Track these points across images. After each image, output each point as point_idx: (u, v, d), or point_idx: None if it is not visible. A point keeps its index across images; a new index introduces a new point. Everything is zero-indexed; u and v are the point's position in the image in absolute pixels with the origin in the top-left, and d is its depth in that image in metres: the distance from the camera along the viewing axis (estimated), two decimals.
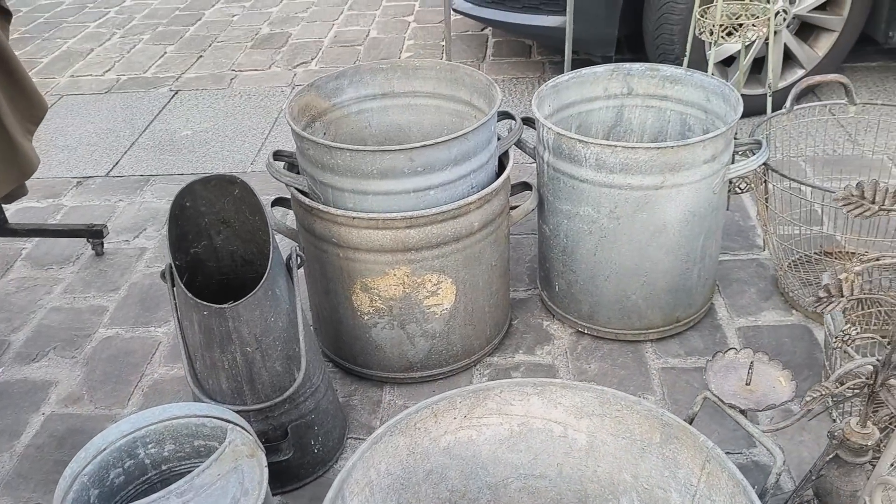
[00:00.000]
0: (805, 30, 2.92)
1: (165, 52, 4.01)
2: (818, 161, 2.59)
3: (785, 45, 2.84)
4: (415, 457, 1.18)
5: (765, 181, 1.95)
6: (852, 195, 0.99)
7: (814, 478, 1.31)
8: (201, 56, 3.94)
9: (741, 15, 2.05)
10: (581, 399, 1.19)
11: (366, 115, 1.98)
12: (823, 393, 1.15)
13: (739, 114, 1.74)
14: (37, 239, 2.49)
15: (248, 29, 4.26)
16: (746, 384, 1.11)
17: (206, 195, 1.52)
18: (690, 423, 1.17)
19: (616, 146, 1.66)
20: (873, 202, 0.99)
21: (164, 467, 1.35)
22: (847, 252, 2.14)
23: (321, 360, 1.68)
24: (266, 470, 1.23)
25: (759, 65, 2.88)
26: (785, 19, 2.78)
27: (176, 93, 3.54)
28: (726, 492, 1.04)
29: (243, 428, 1.29)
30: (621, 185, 1.70)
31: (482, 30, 3.98)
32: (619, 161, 1.67)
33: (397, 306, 1.73)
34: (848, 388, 1.16)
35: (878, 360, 1.17)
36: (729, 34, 1.97)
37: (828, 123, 2.81)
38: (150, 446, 1.32)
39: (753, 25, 1.95)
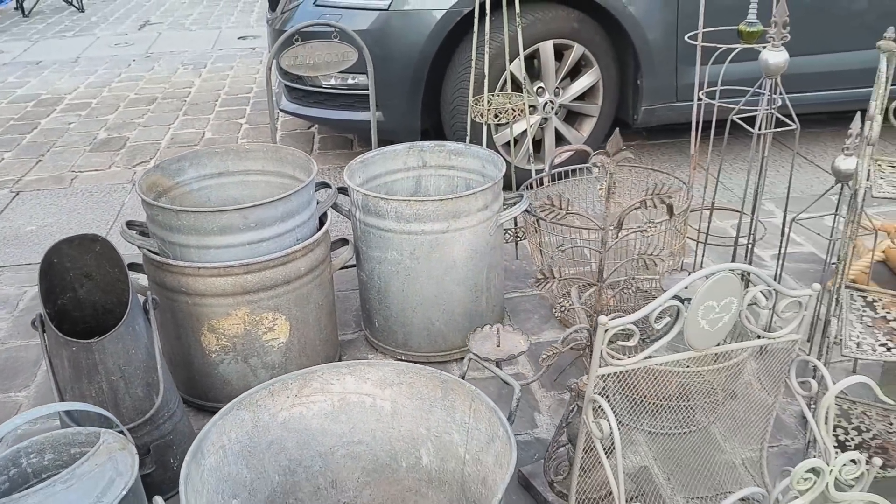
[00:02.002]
0: (571, 116, 3.60)
1: (3, 158, 4.18)
2: (590, 213, 3.19)
3: (556, 128, 3.49)
4: (258, 429, 1.52)
5: (537, 230, 2.48)
6: (546, 203, 1.48)
7: (564, 426, 1.76)
8: (40, 160, 4.14)
9: (506, 104, 2.62)
10: (383, 373, 1.58)
11: (205, 191, 2.35)
12: (554, 352, 1.61)
13: (503, 172, 2.26)
14: None
15: (85, 134, 4.50)
16: (497, 346, 1.55)
17: (71, 252, 1.82)
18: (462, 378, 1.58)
19: (409, 200, 2.12)
20: (560, 208, 1.48)
21: (44, 475, 1.59)
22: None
23: (176, 391, 1.97)
24: (136, 457, 1.51)
25: (539, 146, 3.50)
26: (553, 108, 3.44)
27: (17, 194, 3.72)
28: (486, 419, 1.46)
29: (115, 426, 1.57)
30: (417, 231, 2.15)
31: (309, 128, 4.46)
32: (413, 212, 2.13)
33: (240, 342, 2.06)
34: (570, 348, 1.63)
35: (588, 327, 1.65)
36: (496, 117, 2.53)
37: (595, 185, 3.44)
38: (31, 456, 1.57)
39: (513, 110, 2.51)
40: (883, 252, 2.64)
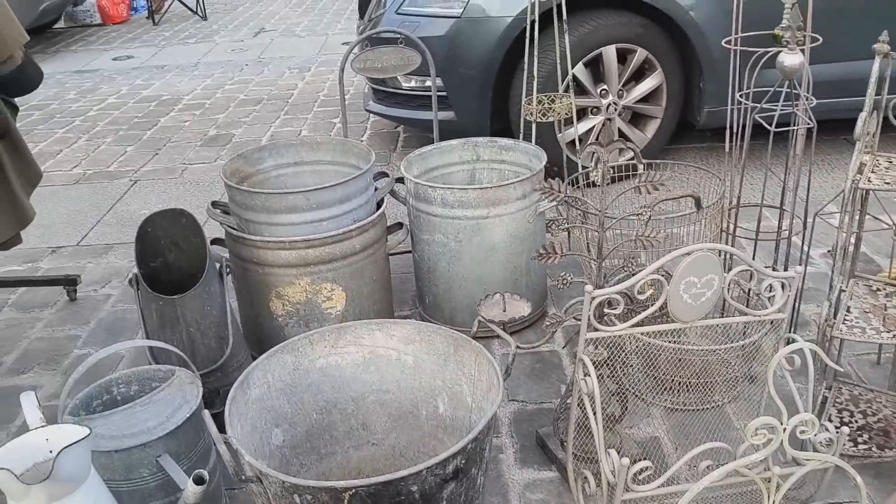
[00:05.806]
0: (636, 118, 3.75)
1: (126, 151, 4.70)
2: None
3: (620, 129, 3.65)
4: (299, 372, 1.81)
5: (583, 222, 2.67)
6: (545, 187, 1.69)
7: (571, 387, 1.96)
8: (157, 153, 4.64)
9: (552, 104, 2.83)
10: (406, 331, 1.83)
11: (282, 178, 2.67)
12: (556, 321, 1.82)
13: (543, 164, 2.47)
14: (21, 289, 3.08)
15: (197, 131, 4.99)
16: (503, 311, 1.77)
17: (163, 223, 2.18)
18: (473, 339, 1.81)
19: (453, 188, 2.37)
20: (559, 192, 1.69)
21: (130, 403, 1.94)
22: None
23: (245, 346, 2.30)
24: (201, 389, 1.83)
25: None
26: (616, 109, 3.60)
27: (135, 182, 4.21)
28: (487, 371, 1.69)
29: (186, 367, 1.89)
30: (460, 216, 2.40)
31: (395, 128, 4.78)
32: (457, 199, 2.38)
33: (302, 309, 2.37)
34: (573, 317, 1.83)
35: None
36: (543, 115, 2.74)
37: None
38: (121, 386, 1.91)
39: (558, 112, 2.73)
40: None
